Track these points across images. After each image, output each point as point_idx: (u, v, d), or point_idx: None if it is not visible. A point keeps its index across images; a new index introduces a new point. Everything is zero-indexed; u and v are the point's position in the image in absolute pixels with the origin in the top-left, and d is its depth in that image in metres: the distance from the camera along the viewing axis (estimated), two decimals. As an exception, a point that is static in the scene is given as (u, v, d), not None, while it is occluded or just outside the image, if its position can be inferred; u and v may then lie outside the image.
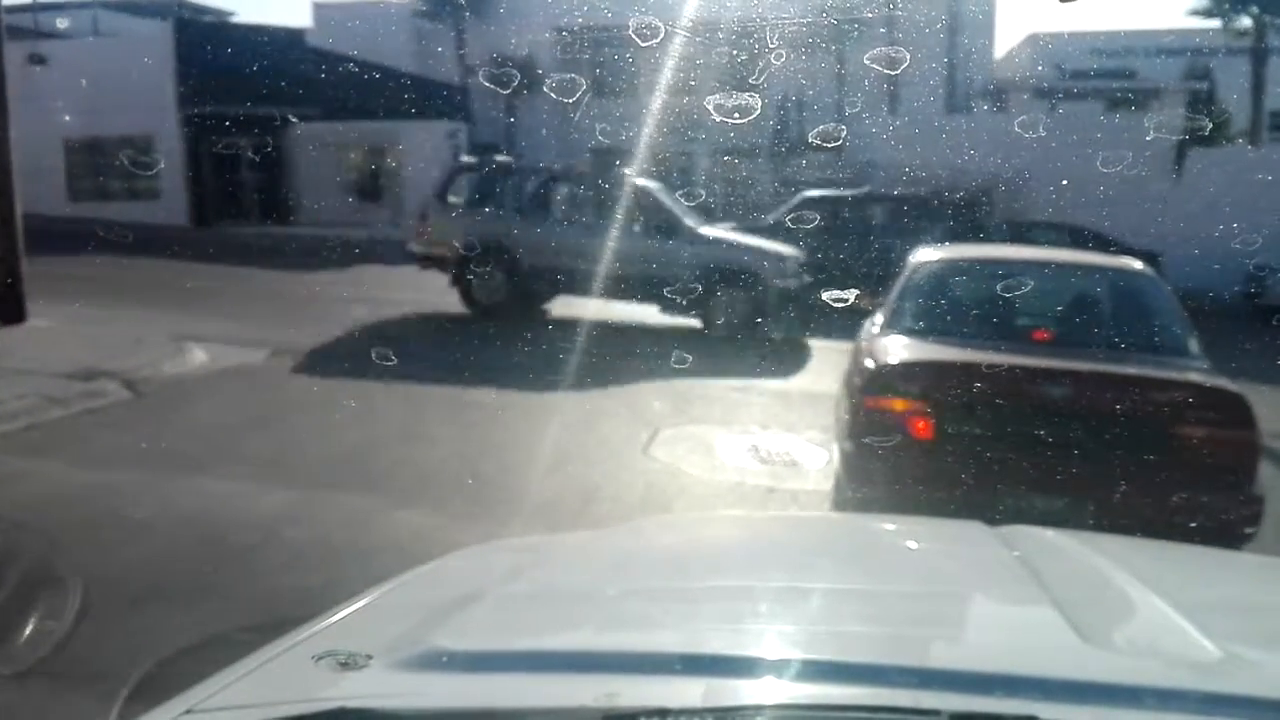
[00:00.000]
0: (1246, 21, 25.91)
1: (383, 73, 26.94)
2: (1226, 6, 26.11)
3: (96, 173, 24.15)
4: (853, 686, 1.12)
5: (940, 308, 5.50)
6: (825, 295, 6.43)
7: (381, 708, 1.05)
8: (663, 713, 1.00)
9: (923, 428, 4.57)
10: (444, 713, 1.07)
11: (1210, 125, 23.59)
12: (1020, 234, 15.56)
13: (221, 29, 27.27)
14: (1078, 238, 15.28)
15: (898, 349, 4.96)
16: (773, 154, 22.07)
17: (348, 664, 1.22)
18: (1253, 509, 4.42)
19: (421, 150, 24.30)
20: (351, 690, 1.17)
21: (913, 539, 2.20)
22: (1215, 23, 26.76)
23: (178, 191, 24.32)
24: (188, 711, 1.16)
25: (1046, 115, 21.80)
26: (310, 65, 24.02)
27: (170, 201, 24.12)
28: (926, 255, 5.94)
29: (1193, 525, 4.28)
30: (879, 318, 5.57)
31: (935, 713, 0.99)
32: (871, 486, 4.65)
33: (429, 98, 26.49)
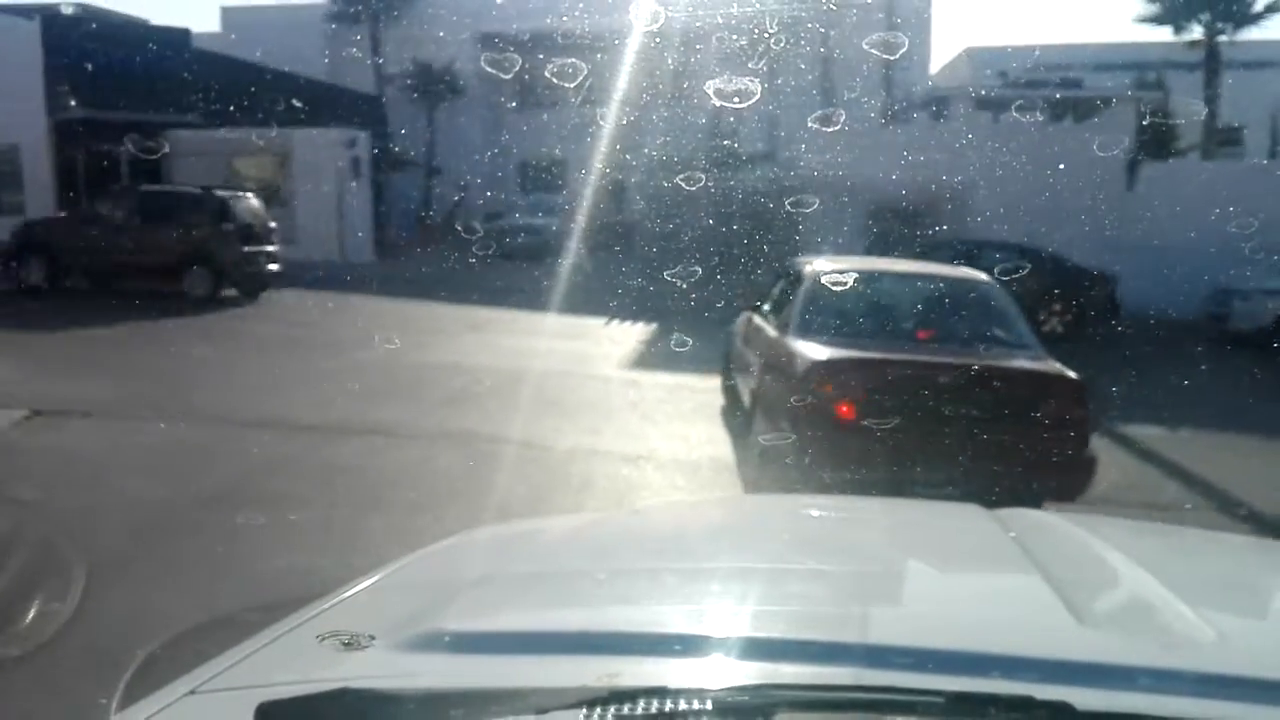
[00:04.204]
0: (1197, 31, 26.64)
1: (281, 78, 26.57)
2: (1176, 13, 26.82)
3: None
4: (852, 667, 1.20)
5: (840, 313, 7.00)
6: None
7: (385, 688, 1.10)
8: (663, 692, 1.07)
9: (846, 411, 5.99)
10: (447, 693, 1.12)
11: (1158, 139, 24.34)
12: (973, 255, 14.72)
13: (97, 28, 26.49)
14: (1034, 260, 15.18)
15: (818, 350, 6.33)
16: (709, 164, 22.30)
17: (351, 644, 1.29)
18: (1088, 468, 6.00)
19: (316, 159, 24.08)
20: (355, 670, 1.23)
21: (909, 520, 2.32)
22: (1164, 33, 27.57)
23: (45, 207, 23.61)
24: (192, 692, 1.22)
25: (989, 129, 22.32)
26: (198, 67, 23.59)
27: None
28: (819, 266, 7.44)
29: (1044, 472, 5.90)
30: (781, 320, 7.04)
31: (934, 693, 1.07)
32: (807, 464, 5.84)
33: (333, 105, 26.21)
